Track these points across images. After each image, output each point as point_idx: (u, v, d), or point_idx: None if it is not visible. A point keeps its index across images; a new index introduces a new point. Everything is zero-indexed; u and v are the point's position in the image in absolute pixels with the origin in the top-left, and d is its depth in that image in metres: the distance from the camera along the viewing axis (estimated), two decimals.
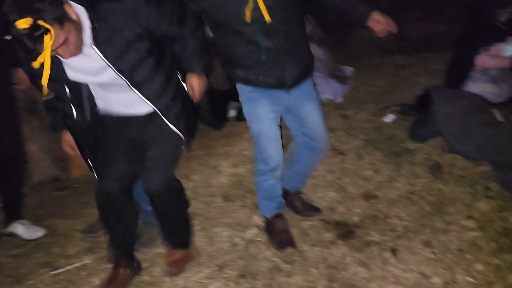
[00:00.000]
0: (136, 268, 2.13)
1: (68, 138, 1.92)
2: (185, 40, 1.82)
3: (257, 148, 2.10)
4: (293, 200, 2.44)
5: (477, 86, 3.06)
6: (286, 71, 1.93)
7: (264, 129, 2.02)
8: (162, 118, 1.83)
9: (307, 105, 2.08)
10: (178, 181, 2.04)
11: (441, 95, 2.87)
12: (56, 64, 1.60)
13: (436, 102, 2.81)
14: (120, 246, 2.06)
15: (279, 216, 2.30)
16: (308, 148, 2.17)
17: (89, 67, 1.65)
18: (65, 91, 1.72)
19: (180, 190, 2.06)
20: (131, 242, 2.09)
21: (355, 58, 4.83)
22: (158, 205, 1.96)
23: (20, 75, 2.62)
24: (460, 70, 3.33)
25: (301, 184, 2.45)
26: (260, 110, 2.00)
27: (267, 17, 1.76)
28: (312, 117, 2.09)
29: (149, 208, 2.04)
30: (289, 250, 2.17)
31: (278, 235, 2.25)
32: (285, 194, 2.37)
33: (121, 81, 1.68)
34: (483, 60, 3.00)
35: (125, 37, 1.61)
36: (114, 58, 1.61)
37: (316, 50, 3.73)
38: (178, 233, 2.14)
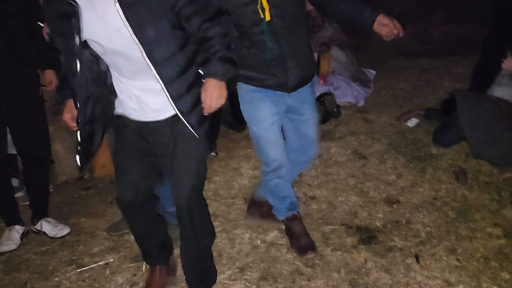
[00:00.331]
0: (171, 269, 2.12)
1: (71, 107, 1.79)
2: (211, 41, 1.66)
3: (257, 150, 2.10)
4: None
5: (503, 91, 3.01)
6: (289, 74, 1.93)
7: (263, 132, 2.01)
8: (178, 119, 1.71)
9: (305, 111, 2.11)
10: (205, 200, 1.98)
11: (466, 99, 2.82)
12: (74, 26, 1.56)
13: (461, 106, 2.76)
14: (147, 250, 2.05)
15: (295, 218, 2.29)
16: (293, 160, 2.17)
17: (107, 27, 1.56)
18: (76, 65, 1.63)
19: (206, 206, 1.99)
20: (159, 246, 2.04)
21: (377, 61, 4.79)
22: (185, 217, 1.80)
23: (48, 76, 2.70)
24: (485, 74, 3.28)
25: None
26: (261, 113, 1.99)
27: (267, 16, 1.80)
28: (307, 122, 2.12)
29: (172, 209, 2.05)
30: (310, 255, 2.17)
31: (297, 239, 2.24)
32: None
33: (136, 53, 1.57)
34: (509, 64, 2.94)
35: (152, 7, 1.54)
36: (135, 22, 1.53)
37: (338, 53, 3.73)
38: (202, 265, 1.95)
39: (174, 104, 1.66)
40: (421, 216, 2.36)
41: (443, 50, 4.86)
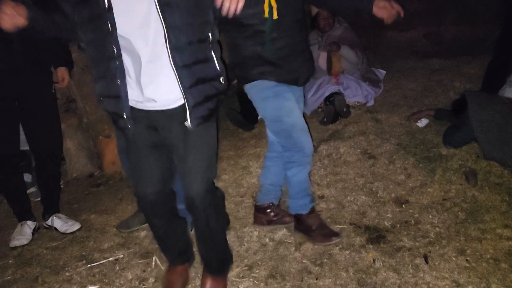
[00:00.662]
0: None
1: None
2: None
3: (290, 140, 2.11)
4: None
5: None
6: (300, 68, 2.05)
7: (297, 121, 2.08)
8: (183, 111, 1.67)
9: (301, 104, 2.22)
10: (218, 188, 2.00)
11: (477, 100, 2.80)
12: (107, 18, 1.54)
13: (471, 107, 2.74)
14: (168, 253, 2.06)
15: (312, 211, 2.32)
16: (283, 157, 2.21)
17: (138, 10, 1.55)
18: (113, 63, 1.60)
19: (222, 198, 2.01)
20: (179, 251, 2.05)
21: (388, 61, 4.76)
22: (199, 213, 1.80)
23: (60, 74, 2.74)
24: (497, 75, 3.26)
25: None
26: (290, 103, 2.06)
27: (275, 14, 1.87)
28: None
29: (180, 206, 2.05)
30: (335, 240, 2.22)
31: (320, 229, 2.27)
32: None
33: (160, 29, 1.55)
34: None
35: None
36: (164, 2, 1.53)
37: (348, 52, 3.71)
38: (218, 253, 1.98)
39: (182, 88, 1.64)
40: (431, 216, 2.35)
41: (454, 51, 4.81)
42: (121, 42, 1.58)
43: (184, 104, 1.66)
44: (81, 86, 3.57)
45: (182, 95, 1.65)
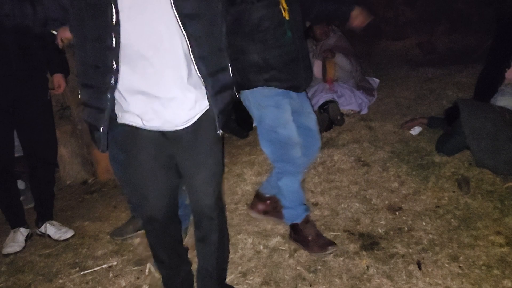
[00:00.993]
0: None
1: None
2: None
3: (283, 151, 2.12)
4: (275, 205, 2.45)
5: (506, 100, 3.02)
6: (303, 74, 2.06)
7: (291, 134, 2.08)
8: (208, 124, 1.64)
9: (307, 108, 2.24)
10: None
11: (470, 108, 2.83)
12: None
13: (464, 115, 2.77)
14: (169, 281, 1.95)
15: (307, 221, 2.31)
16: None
17: (154, 24, 1.47)
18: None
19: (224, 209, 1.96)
20: (182, 280, 1.95)
21: (381, 69, 4.81)
22: (210, 226, 1.78)
23: (57, 80, 2.74)
24: (489, 83, 3.30)
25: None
26: (287, 115, 2.07)
27: (287, 15, 1.92)
28: (310, 116, 2.24)
29: (181, 212, 2.04)
30: (332, 250, 2.22)
31: (317, 239, 2.26)
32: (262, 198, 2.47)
33: (177, 29, 1.48)
34: None
35: None
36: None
37: (342, 61, 3.75)
38: (223, 264, 1.96)
39: (209, 95, 1.59)
40: (424, 223, 2.36)
41: (446, 60, 4.88)
42: (129, 56, 1.48)
43: (207, 113, 1.63)
44: (75, 93, 3.56)
45: (198, 108, 1.61)
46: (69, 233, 2.73)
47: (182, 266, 1.93)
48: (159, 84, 1.52)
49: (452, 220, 2.36)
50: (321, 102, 3.59)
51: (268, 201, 2.45)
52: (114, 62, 1.47)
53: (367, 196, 2.67)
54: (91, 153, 3.69)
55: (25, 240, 2.70)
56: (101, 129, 1.56)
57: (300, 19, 2.07)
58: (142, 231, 2.60)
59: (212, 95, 1.60)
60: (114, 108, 1.57)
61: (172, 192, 1.75)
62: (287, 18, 1.92)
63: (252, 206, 2.51)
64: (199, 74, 1.55)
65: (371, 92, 4.00)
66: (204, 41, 1.54)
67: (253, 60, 1.99)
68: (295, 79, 2.04)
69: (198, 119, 1.63)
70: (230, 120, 3.72)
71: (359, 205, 2.60)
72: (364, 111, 3.78)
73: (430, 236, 2.26)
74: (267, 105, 2.06)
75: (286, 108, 2.07)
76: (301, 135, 2.15)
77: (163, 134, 1.62)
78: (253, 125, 3.72)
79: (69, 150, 3.70)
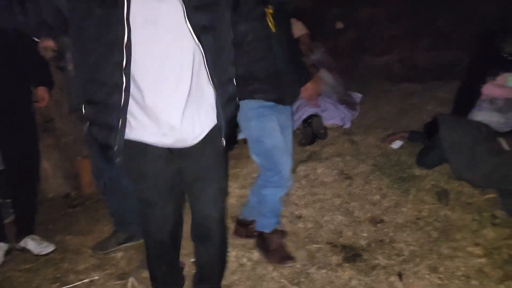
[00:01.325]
0: None
1: None
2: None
3: (270, 161, 2.14)
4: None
5: (483, 115, 3.10)
6: (287, 87, 2.08)
7: (277, 142, 2.10)
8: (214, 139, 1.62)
9: (289, 121, 2.26)
10: None
11: (448, 123, 2.91)
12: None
13: (443, 129, 2.85)
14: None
15: (275, 232, 2.36)
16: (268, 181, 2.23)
17: (163, 12, 1.41)
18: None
19: None
20: (176, 282, 1.98)
21: (364, 84, 4.90)
22: (215, 240, 1.80)
23: (40, 93, 2.73)
24: (467, 99, 3.38)
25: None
26: (271, 124, 2.09)
27: (273, 28, 1.94)
28: (290, 132, 2.26)
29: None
30: (290, 264, 2.25)
31: (277, 251, 2.31)
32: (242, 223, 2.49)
33: (190, 44, 1.44)
34: (489, 89, 3.04)
35: None
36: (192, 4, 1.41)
37: (326, 76, 3.83)
38: (220, 274, 2.00)
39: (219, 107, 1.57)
40: (405, 235, 2.40)
41: (427, 75, 4.99)
42: (139, 72, 1.43)
43: (216, 127, 1.61)
44: (59, 106, 3.55)
45: (211, 121, 1.59)
46: (50, 248, 2.69)
47: (176, 284, 1.95)
48: (172, 100, 1.47)
49: (432, 231, 2.40)
50: (304, 116, 3.64)
51: (250, 226, 2.46)
52: (124, 79, 1.40)
53: (350, 209, 2.70)
54: (74, 167, 3.66)
55: (5, 255, 2.65)
56: (115, 148, 1.50)
57: (289, 33, 2.11)
58: (125, 245, 2.59)
59: (221, 106, 1.58)
60: (125, 126, 1.49)
61: (178, 211, 1.74)
62: (273, 31, 1.95)
63: (235, 232, 2.52)
64: (212, 86, 1.53)
65: (354, 106, 4.08)
66: (218, 53, 1.51)
67: (239, 72, 2.01)
68: (279, 92, 2.06)
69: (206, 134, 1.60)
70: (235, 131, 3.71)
71: (342, 217, 2.63)
72: (347, 125, 3.84)
73: (411, 247, 2.30)
74: (252, 116, 2.08)
75: (271, 119, 2.09)
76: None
77: (170, 151, 1.57)
78: (238, 138, 3.74)
79: (51, 163, 3.66)
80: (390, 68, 5.61)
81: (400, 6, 5.85)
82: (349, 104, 4.02)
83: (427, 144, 3.08)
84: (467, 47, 4.00)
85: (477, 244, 2.27)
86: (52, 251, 2.67)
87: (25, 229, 2.75)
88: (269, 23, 1.93)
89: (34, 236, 2.75)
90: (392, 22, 6.00)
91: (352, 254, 2.30)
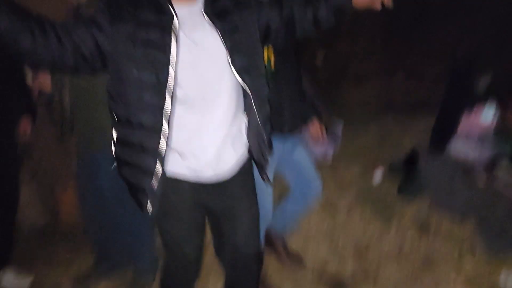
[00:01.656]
0: None
1: None
2: None
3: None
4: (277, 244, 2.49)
5: (460, 147, 3.22)
6: (286, 121, 2.12)
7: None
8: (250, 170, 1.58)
9: (300, 152, 2.29)
10: None
11: (427, 156, 3.03)
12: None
13: (422, 162, 2.95)
14: None
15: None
16: (301, 193, 2.34)
17: (208, 42, 1.35)
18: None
19: None
20: None
21: (345, 114, 5.01)
22: (252, 268, 1.69)
23: (23, 125, 2.66)
24: (443, 131, 3.51)
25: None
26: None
27: (273, 65, 1.98)
28: (305, 161, 2.31)
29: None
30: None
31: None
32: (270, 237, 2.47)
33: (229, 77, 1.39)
34: (464, 125, 3.17)
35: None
36: (226, 30, 1.36)
37: None
38: None
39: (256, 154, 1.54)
40: (389, 265, 2.43)
41: (404, 108, 5.16)
42: (179, 116, 1.36)
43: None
44: (39, 135, 3.50)
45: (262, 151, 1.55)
46: (27, 281, 2.59)
47: None
48: (209, 138, 1.42)
49: (415, 262, 2.44)
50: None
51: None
52: (166, 124, 1.33)
53: (334, 239, 2.72)
54: (53, 196, 3.58)
55: None
56: (147, 192, 1.40)
57: (293, 71, 2.12)
58: (108, 276, 2.53)
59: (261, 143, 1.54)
60: (165, 173, 1.41)
61: (202, 243, 1.64)
62: (272, 68, 1.97)
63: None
64: (260, 123, 1.48)
65: (335, 136, 4.15)
66: (259, 91, 1.48)
67: None
68: (277, 125, 2.03)
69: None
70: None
71: (326, 248, 2.65)
72: (329, 157, 3.90)
73: (395, 277, 2.33)
74: None
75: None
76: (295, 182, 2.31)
77: (203, 185, 1.48)
78: None
79: (30, 192, 3.57)
80: (368, 101, 5.77)
81: (375, 42, 6.10)
82: (332, 135, 4.09)
83: (408, 174, 3.17)
84: (440, 82, 4.16)
85: (459, 271, 2.32)
86: (30, 285, 2.57)
87: (1, 262, 2.64)
88: (268, 60, 1.96)
89: (10, 269, 2.65)
90: (367, 57, 6.23)
91: (336, 283, 2.31)
